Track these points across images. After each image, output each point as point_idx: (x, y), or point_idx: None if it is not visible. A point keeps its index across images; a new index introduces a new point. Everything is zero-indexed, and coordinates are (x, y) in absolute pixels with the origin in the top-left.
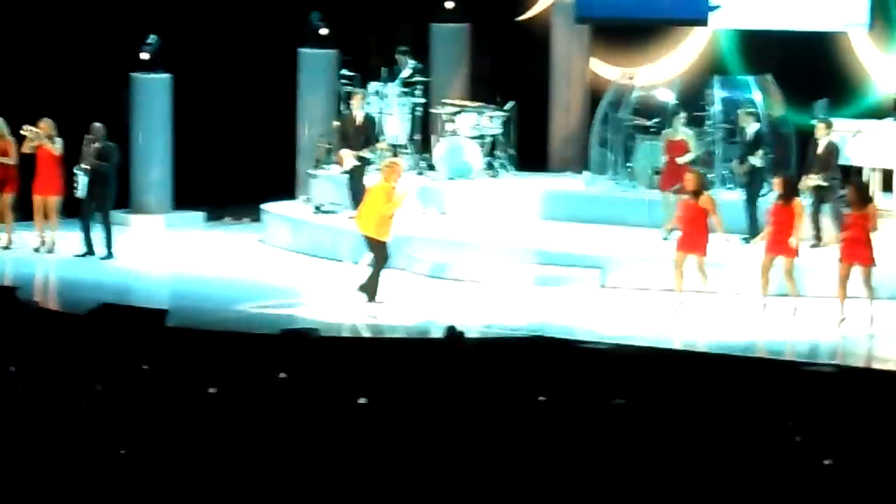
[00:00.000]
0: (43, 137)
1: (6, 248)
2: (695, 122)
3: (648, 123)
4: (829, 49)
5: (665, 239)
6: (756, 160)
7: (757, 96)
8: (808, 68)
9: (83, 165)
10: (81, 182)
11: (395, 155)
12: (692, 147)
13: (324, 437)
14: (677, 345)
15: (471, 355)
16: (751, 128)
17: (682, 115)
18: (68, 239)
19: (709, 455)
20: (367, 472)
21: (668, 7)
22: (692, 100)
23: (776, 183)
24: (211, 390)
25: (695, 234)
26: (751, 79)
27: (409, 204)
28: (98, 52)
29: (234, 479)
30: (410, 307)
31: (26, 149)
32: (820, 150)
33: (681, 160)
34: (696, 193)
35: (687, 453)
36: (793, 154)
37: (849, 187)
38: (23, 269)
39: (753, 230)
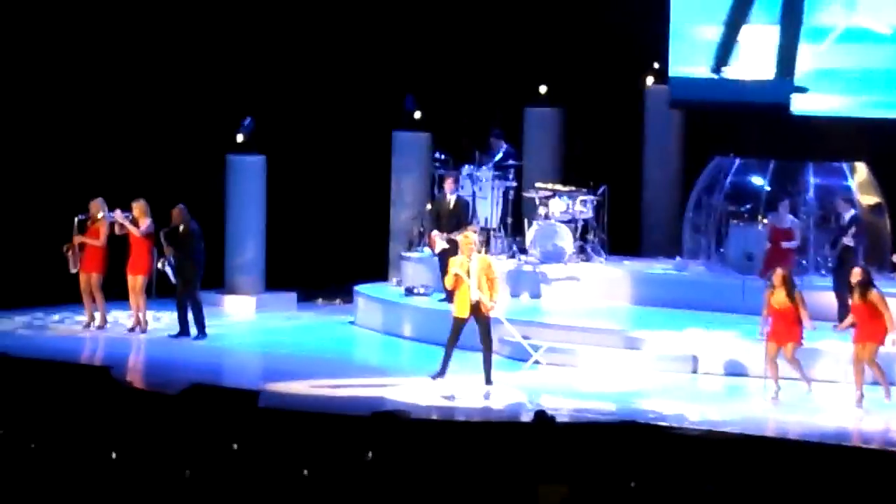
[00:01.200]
0: (124, 220)
1: (100, 327)
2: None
3: (741, 209)
4: None
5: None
6: (849, 240)
7: (851, 183)
8: None
9: (165, 255)
10: (169, 271)
11: (486, 239)
12: (796, 236)
13: None
14: (769, 432)
15: (561, 439)
16: (847, 213)
17: (787, 201)
18: (162, 319)
19: None
20: None
21: (754, 91)
22: (785, 186)
23: (854, 273)
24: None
25: (785, 326)
26: (845, 165)
27: (458, 282)
28: (195, 133)
29: None
30: (502, 390)
31: (118, 231)
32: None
33: (786, 245)
34: (785, 288)
35: None
36: (887, 242)
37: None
38: (116, 350)
39: (844, 315)
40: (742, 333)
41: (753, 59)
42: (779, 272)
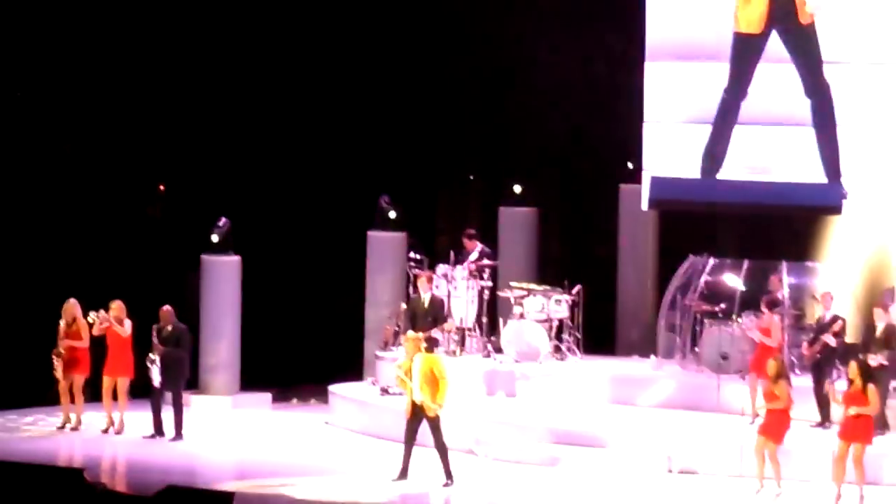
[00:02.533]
0: (111, 320)
1: (74, 429)
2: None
3: (716, 308)
4: None
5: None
6: (829, 339)
7: (823, 282)
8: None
9: (152, 356)
10: (154, 372)
11: (462, 337)
12: (776, 333)
13: None
14: None
15: None
16: (830, 312)
17: (765, 298)
18: (137, 420)
19: None
20: None
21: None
22: (760, 285)
23: (852, 368)
24: None
25: (773, 421)
26: (818, 264)
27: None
28: (168, 234)
29: None
30: (479, 492)
31: (96, 331)
32: (879, 332)
33: (769, 341)
34: (776, 379)
35: None
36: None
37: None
38: (91, 450)
39: (824, 414)
40: (716, 433)
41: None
42: (775, 361)
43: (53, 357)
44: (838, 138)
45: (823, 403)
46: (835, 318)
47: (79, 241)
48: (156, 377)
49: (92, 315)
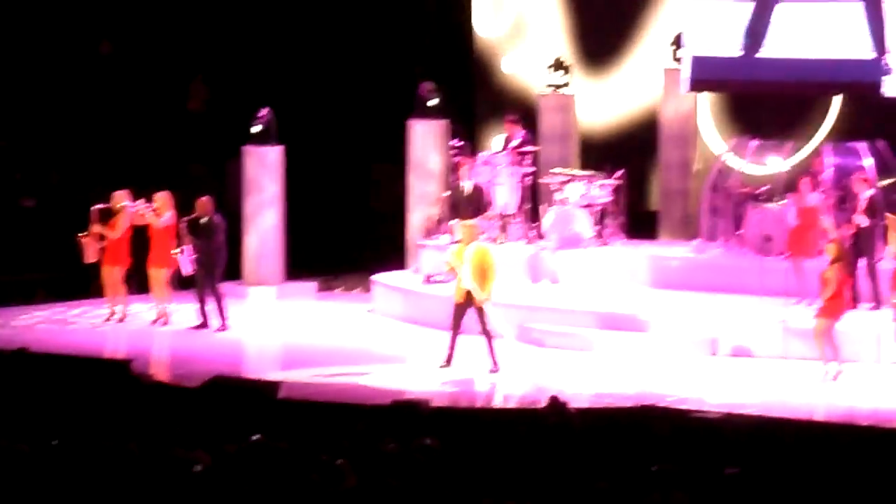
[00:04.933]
0: (147, 212)
1: (120, 320)
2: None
3: (758, 191)
4: None
5: (796, 307)
6: (862, 220)
7: (869, 163)
8: None
9: (183, 246)
10: (183, 262)
11: (504, 224)
12: (819, 213)
13: None
14: (789, 413)
15: (576, 425)
16: (864, 194)
17: (808, 180)
18: (184, 311)
19: None
20: None
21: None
22: (803, 166)
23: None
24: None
25: (831, 300)
26: (863, 145)
27: (452, 270)
28: (211, 125)
29: None
30: (524, 377)
31: (138, 222)
32: None
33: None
34: (837, 261)
35: None
36: None
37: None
38: (138, 342)
39: (875, 294)
40: (761, 315)
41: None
42: (834, 243)
43: (79, 241)
44: (885, 12)
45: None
46: (870, 199)
47: (123, 136)
48: (185, 267)
49: (135, 204)
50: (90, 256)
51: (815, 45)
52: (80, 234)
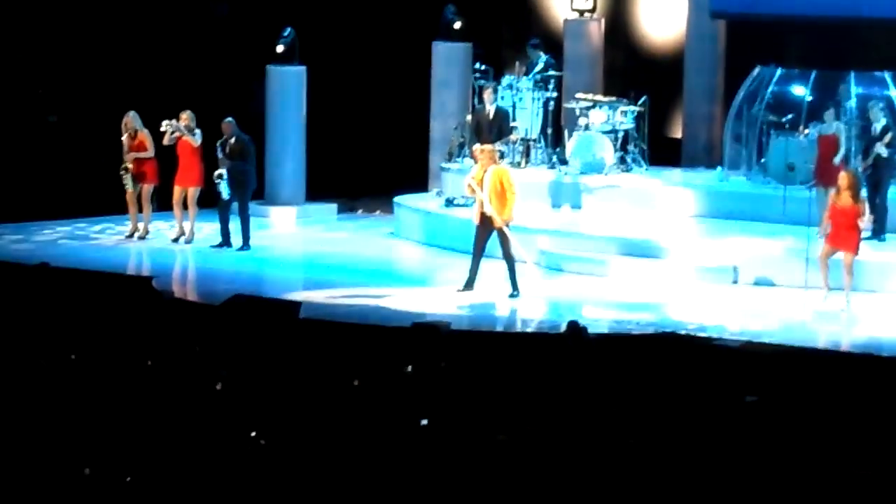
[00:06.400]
0: (182, 129)
1: (142, 237)
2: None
3: (783, 119)
4: None
5: (820, 237)
6: (881, 149)
7: (894, 93)
8: None
9: (220, 170)
10: (223, 186)
11: (527, 149)
12: (842, 142)
13: (451, 430)
14: (809, 343)
15: (594, 351)
16: (880, 122)
17: (832, 109)
18: (206, 230)
19: (836, 452)
20: (491, 467)
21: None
22: (828, 95)
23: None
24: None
25: (845, 230)
26: (888, 74)
27: (471, 192)
28: (234, 44)
29: (363, 468)
30: (532, 301)
31: (167, 141)
32: None
33: (837, 160)
34: (850, 191)
35: (817, 451)
36: None
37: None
38: (160, 260)
39: (880, 225)
40: (783, 244)
41: None
42: (847, 174)
43: (122, 174)
44: None
45: (879, 215)
46: (886, 129)
47: (143, 51)
48: (224, 191)
49: (164, 124)
50: (132, 185)
51: None
52: (121, 167)
